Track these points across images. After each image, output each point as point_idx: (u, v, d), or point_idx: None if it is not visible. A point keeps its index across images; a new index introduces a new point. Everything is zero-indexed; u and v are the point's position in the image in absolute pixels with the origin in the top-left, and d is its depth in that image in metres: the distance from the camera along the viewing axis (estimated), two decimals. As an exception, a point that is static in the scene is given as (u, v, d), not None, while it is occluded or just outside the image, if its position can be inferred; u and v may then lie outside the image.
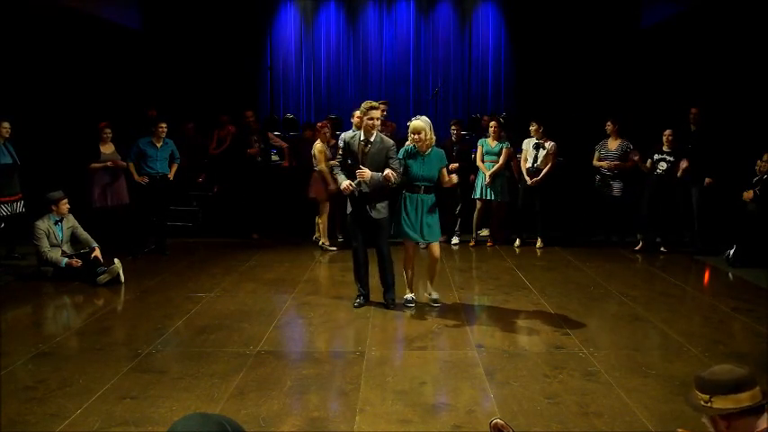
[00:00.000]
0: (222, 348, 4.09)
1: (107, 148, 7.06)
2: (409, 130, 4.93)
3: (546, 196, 7.37)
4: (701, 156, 7.03)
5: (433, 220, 4.97)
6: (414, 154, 4.94)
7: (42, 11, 7.62)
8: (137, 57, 9.57)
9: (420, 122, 4.89)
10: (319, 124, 7.42)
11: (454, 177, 5.13)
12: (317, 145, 7.17)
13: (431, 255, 5.08)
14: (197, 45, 9.95)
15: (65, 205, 6.04)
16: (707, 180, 7.00)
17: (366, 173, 4.75)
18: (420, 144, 4.89)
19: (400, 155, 4.95)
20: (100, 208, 7.03)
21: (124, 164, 7.06)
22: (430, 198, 4.96)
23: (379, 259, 5.07)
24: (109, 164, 6.98)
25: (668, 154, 7.06)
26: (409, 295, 5.14)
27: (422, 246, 5.49)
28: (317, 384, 3.54)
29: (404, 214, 4.95)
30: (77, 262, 5.86)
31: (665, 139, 7.07)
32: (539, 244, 7.43)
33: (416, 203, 4.92)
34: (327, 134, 7.20)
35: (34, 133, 6.98)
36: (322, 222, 7.37)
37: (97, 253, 5.95)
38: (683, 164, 6.99)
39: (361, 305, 5.05)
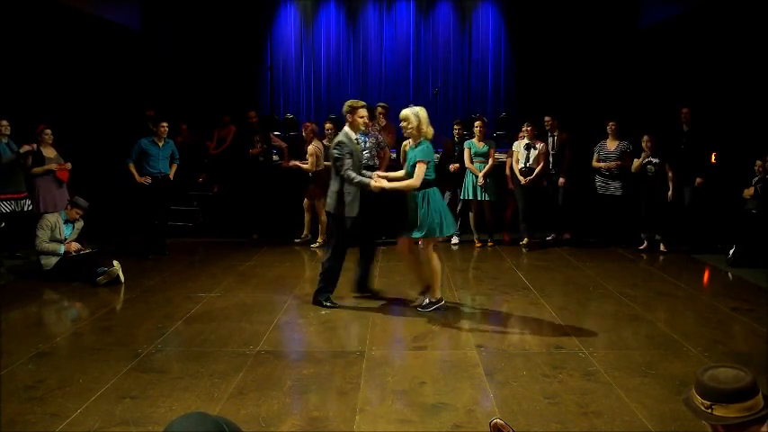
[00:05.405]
0: (222, 348, 4.10)
1: (49, 152, 6.76)
2: None
3: (538, 195, 7.40)
4: (693, 156, 7.04)
5: (412, 218, 4.75)
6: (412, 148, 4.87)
7: (41, 10, 7.62)
8: (136, 56, 9.56)
9: (406, 110, 4.80)
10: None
11: (381, 183, 4.68)
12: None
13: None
14: (197, 45, 9.95)
15: (74, 213, 6.17)
16: (698, 180, 7.03)
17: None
18: (405, 133, 4.86)
19: None
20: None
21: (69, 165, 6.85)
22: (410, 195, 4.74)
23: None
24: (54, 167, 6.72)
25: (653, 156, 7.08)
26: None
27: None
28: (317, 384, 3.54)
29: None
30: (75, 245, 6.00)
31: (644, 145, 7.07)
32: (524, 241, 7.43)
33: (408, 198, 4.83)
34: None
35: (33, 133, 6.95)
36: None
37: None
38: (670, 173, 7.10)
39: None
